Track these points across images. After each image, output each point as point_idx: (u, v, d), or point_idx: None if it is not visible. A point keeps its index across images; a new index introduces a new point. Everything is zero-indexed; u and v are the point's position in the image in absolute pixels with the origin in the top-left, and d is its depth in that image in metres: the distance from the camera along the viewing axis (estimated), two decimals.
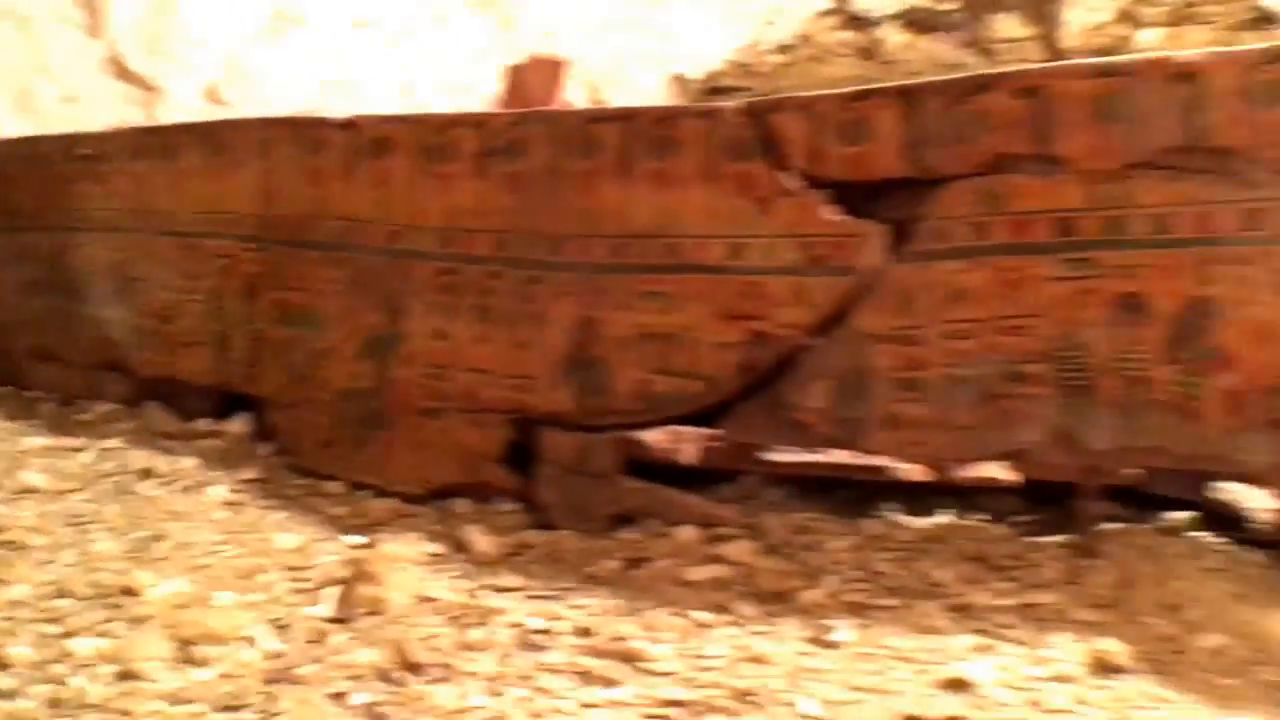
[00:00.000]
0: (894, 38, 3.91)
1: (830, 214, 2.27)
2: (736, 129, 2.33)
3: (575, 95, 3.93)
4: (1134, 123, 2.10)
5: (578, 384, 2.48)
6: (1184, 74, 2.09)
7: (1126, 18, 3.92)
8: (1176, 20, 3.99)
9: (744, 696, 2.01)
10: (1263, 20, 3.86)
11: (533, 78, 2.63)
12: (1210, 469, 2.15)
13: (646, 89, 3.97)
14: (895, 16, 3.92)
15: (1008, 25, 3.95)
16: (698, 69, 3.86)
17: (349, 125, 2.88)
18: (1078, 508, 2.21)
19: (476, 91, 3.79)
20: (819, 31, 3.93)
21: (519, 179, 2.56)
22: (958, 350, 2.20)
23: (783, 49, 3.90)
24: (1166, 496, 2.31)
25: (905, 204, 2.24)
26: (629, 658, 2.14)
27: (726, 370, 2.34)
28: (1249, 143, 2.07)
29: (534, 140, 2.54)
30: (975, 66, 3.76)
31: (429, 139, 2.70)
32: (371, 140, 2.82)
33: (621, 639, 2.17)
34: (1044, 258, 2.15)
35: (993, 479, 2.32)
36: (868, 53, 3.93)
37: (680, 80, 3.78)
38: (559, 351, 2.50)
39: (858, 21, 3.92)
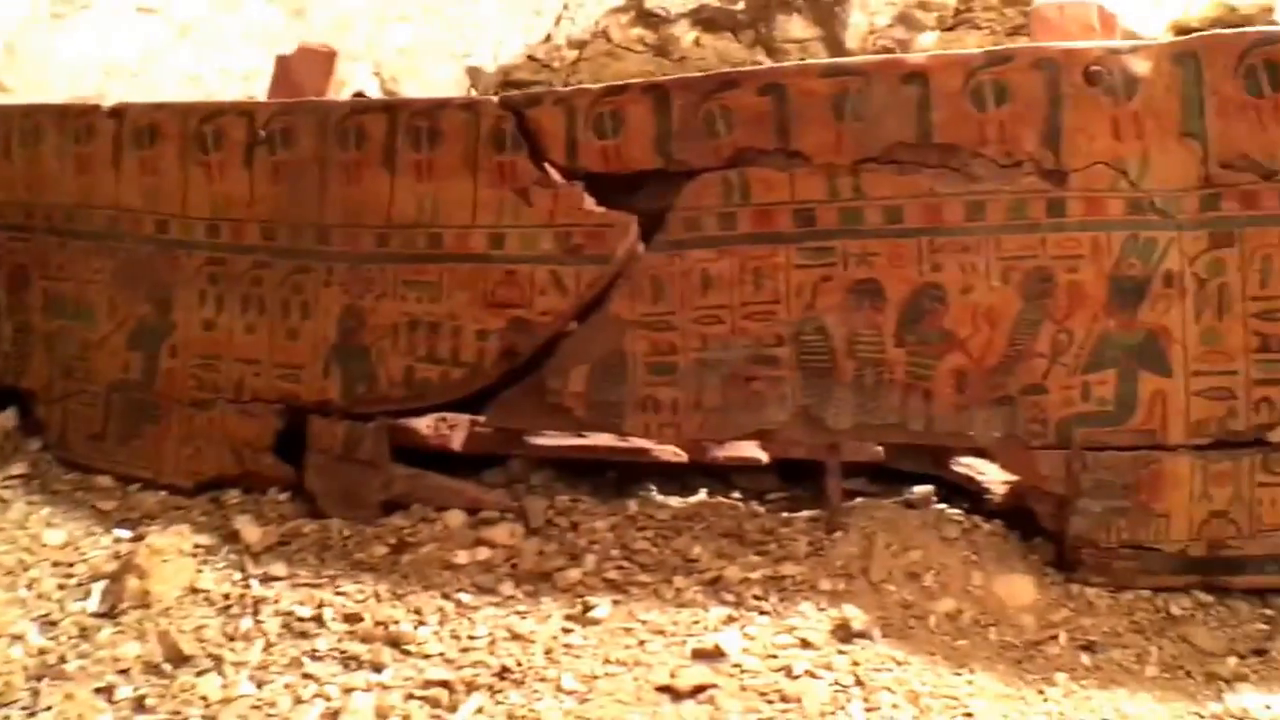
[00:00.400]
0: (686, 35, 4.01)
1: (587, 205, 2.33)
2: (498, 121, 2.38)
3: (369, 87, 3.93)
4: (868, 120, 2.22)
5: (345, 373, 2.50)
6: (913, 75, 2.22)
7: (906, 21, 4.10)
8: (953, 24, 4.18)
9: (505, 674, 2.07)
10: None
11: (301, 67, 2.63)
12: (943, 444, 2.29)
13: (442, 81, 3.98)
14: (687, 14, 4.01)
15: (795, 26, 4.09)
16: (493, 62, 3.89)
17: (117, 113, 2.83)
18: (826, 484, 2.33)
19: (265, 81, 3.74)
20: (613, 27, 4.00)
21: (286, 169, 2.57)
22: (708, 335, 2.30)
23: (577, 44, 3.96)
24: (909, 471, 2.44)
25: (659, 196, 2.32)
26: (395, 641, 2.17)
27: (489, 357, 2.40)
28: (972, 139, 2.21)
29: (300, 130, 2.54)
30: (763, 64, 3.89)
31: (197, 128, 2.68)
32: (140, 128, 2.78)
33: (387, 623, 2.20)
34: (786, 247, 2.26)
35: (749, 458, 2.42)
36: (661, 50, 4.02)
37: (476, 73, 3.80)
38: (327, 341, 2.51)
39: (651, 19, 4.00)
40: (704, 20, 3.90)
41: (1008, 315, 2.21)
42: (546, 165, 2.36)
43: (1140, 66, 2.18)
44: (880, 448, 2.37)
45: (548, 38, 3.84)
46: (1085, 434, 2.21)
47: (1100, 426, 2.21)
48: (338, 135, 2.49)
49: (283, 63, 2.65)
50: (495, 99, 2.40)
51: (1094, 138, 2.18)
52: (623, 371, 2.33)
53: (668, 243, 2.31)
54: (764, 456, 2.41)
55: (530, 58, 3.81)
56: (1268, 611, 2.22)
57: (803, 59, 3.94)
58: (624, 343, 2.33)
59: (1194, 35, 2.20)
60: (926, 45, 4.04)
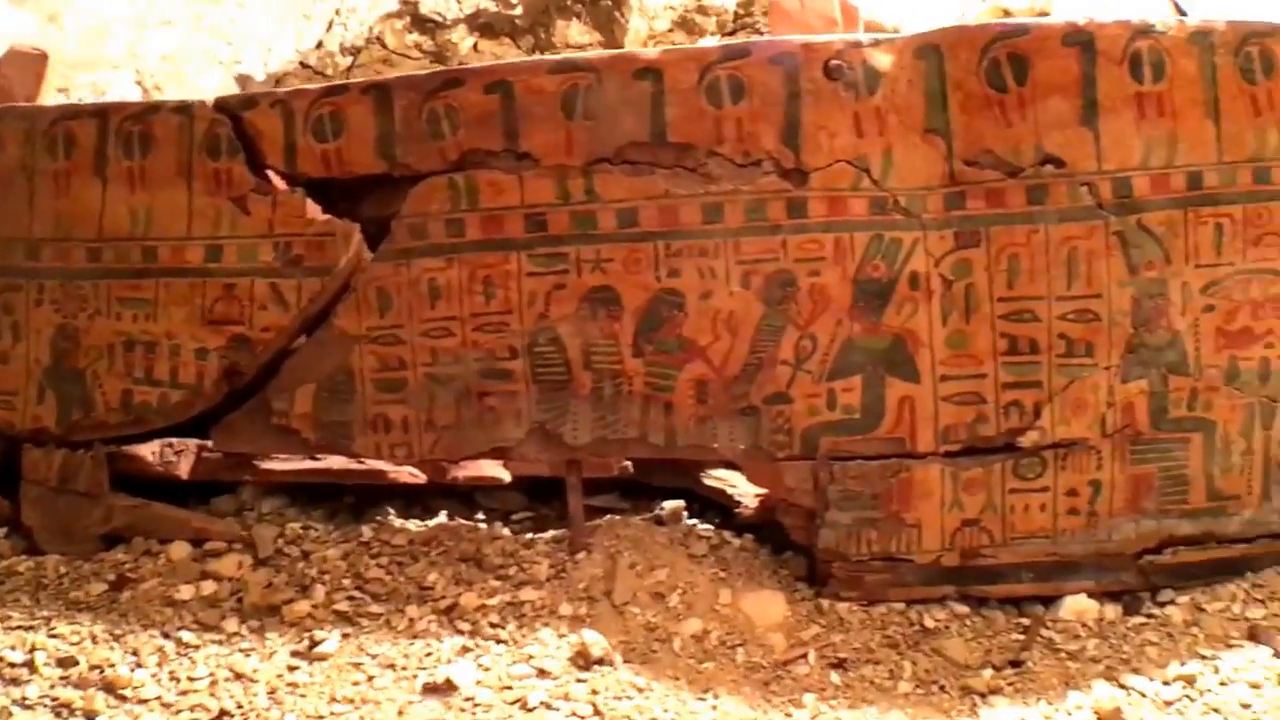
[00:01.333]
0: (465, 41, 3.88)
1: (309, 213, 2.18)
2: (212, 125, 2.22)
3: (132, 96, 3.71)
4: (600, 119, 2.10)
5: (60, 398, 2.32)
6: (646, 70, 2.11)
7: (686, 26, 4.02)
8: (734, 29, 4.11)
9: (224, 717, 1.93)
10: None
11: (10, 71, 2.44)
12: (687, 458, 2.18)
13: (210, 90, 3.78)
14: (464, 20, 3.88)
15: (574, 31, 3.98)
16: (263, 70, 3.71)
17: None
18: (568, 502, 2.20)
19: None
20: (388, 33, 3.85)
21: None
22: (438, 349, 2.16)
23: (351, 50, 3.81)
24: (663, 486, 2.33)
25: (386, 202, 2.18)
26: (110, 686, 2.02)
27: (210, 378, 2.24)
28: (708, 138, 2.10)
29: (6, 138, 2.35)
30: None
31: None
32: None
33: (103, 666, 2.04)
34: (517, 253, 2.13)
35: (490, 478, 2.29)
36: (439, 56, 3.89)
37: (245, 81, 3.62)
38: (40, 364, 2.33)
39: (427, 24, 3.86)
40: (482, 26, 3.77)
41: (749, 321, 2.11)
42: (266, 172, 2.20)
43: (883, 61, 2.09)
44: (628, 462, 2.25)
45: (319, 44, 3.68)
46: (831, 443, 2.12)
47: (847, 435, 2.12)
48: (46, 142, 2.31)
49: None
50: (209, 101, 2.23)
51: (835, 135, 2.09)
52: (350, 390, 2.19)
53: (394, 252, 2.17)
54: (506, 475, 2.28)
55: (303, 64, 3.65)
56: (1023, 620, 2.15)
57: None
58: (351, 359, 2.18)
59: (936, 29, 2.11)
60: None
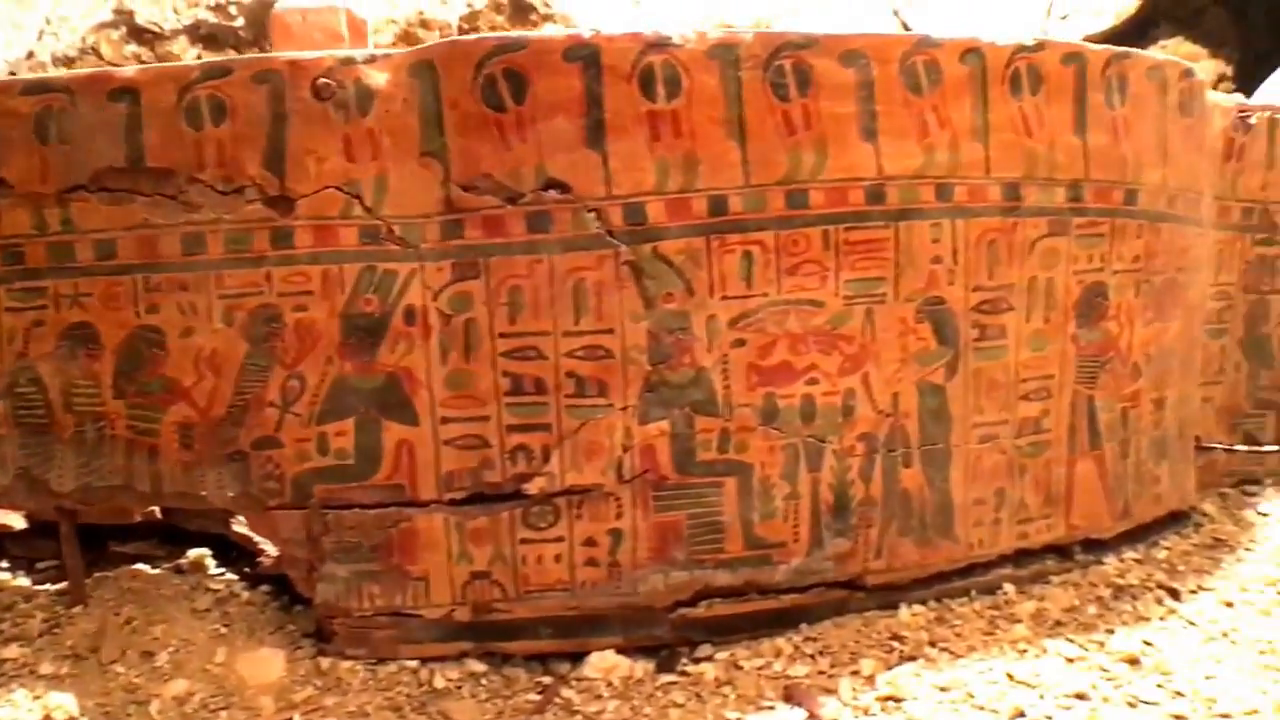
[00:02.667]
0: (187, 52, 3.73)
1: None
2: None
3: None
4: (75, 143, 1.95)
5: None
6: (122, 91, 1.95)
7: (409, 40, 3.86)
8: None
9: None
10: None
11: None
12: (177, 505, 2.04)
13: None
14: (184, 30, 3.73)
15: None
16: None
17: None
18: (64, 552, 2.07)
19: None
20: (104, 44, 3.71)
21: None
22: None
23: (65, 61, 3.67)
24: (191, 531, 2.19)
25: None
26: None
27: None
28: (189, 163, 1.94)
29: None
30: None
31: None
32: None
33: None
34: None
35: (4, 525, 2.15)
36: None
37: None
38: None
39: (145, 35, 3.71)
40: (204, 37, 3.63)
41: (233, 360, 1.96)
42: None
43: (377, 79, 1.93)
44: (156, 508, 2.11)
45: (30, 54, 3.54)
46: (325, 491, 1.97)
47: (341, 483, 1.97)
48: None
49: None
50: None
51: (324, 159, 1.93)
52: None
53: None
54: (21, 522, 2.14)
55: (12, 74, 3.51)
56: (544, 679, 2.00)
57: None
58: None
59: (432, 45, 1.95)
60: None
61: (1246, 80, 4.03)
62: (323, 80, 1.93)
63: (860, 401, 2.01)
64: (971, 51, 2.03)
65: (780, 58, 1.93)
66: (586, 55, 1.90)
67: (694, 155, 1.91)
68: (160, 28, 3.62)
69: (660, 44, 1.90)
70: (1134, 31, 4.14)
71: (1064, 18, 4.02)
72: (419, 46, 1.97)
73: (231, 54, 3.87)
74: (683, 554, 1.98)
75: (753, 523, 1.99)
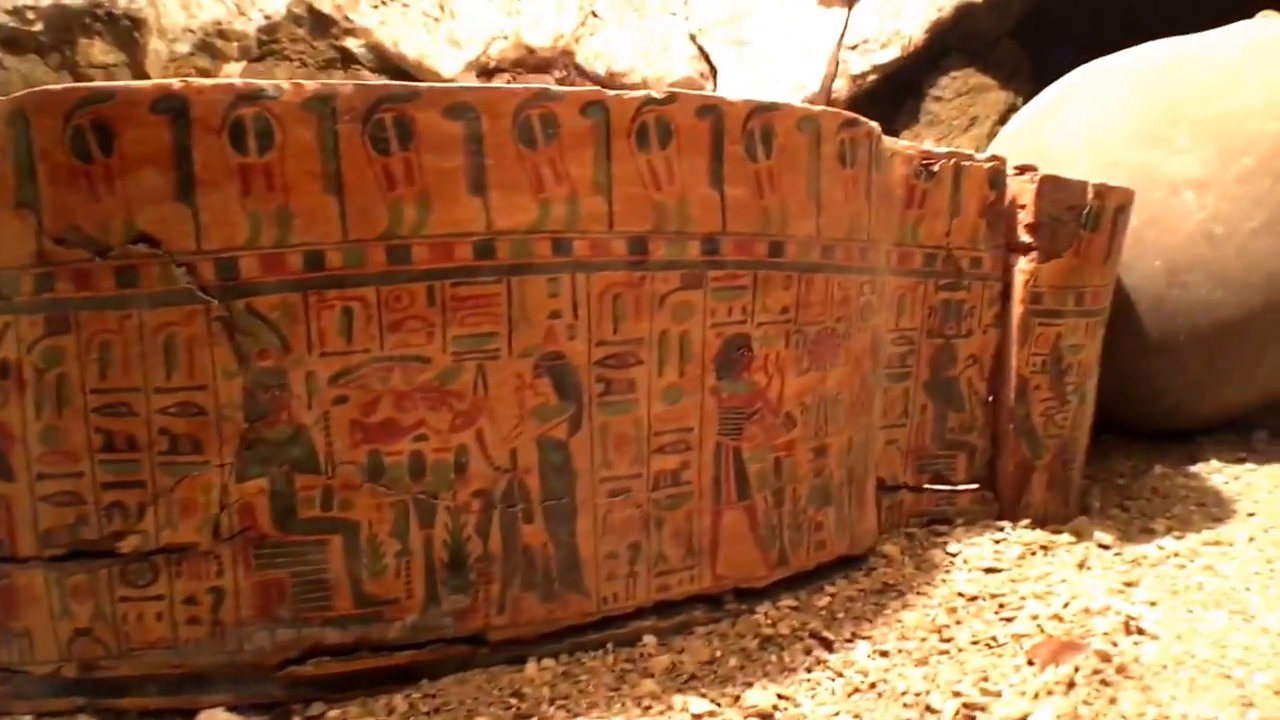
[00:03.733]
0: None
1: None
2: None
3: None
4: None
5: None
6: None
7: (208, 50, 3.82)
8: (260, 55, 3.92)
9: None
10: (347, 61, 3.83)
11: None
12: None
13: None
14: None
15: (97, 50, 3.78)
16: None
17: None
18: None
19: None
20: None
21: None
22: None
23: None
24: None
25: None
26: None
27: None
28: None
29: None
30: None
31: None
32: None
33: None
34: None
35: None
36: None
37: None
38: None
39: None
40: (4, 41, 3.57)
41: None
42: None
43: None
44: None
45: None
46: None
47: None
48: None
49: None
50: None
51: None
52: None
53: None
54: None
55: None
56: None
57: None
58: None
59: (24, 93, 1.91)
60: (233, 75, 3.77)
61: None
62: None
63: (474, 458, 2.00)
64: (594, 104, 2.01)
65: (380, 110, 1.91)
66: (175, 107, 1.87)
67: (288, 209, 1.89)
68: None
69: (252, 96, 1.87)
70: (924, 62, 4.13)
71: (854, 47, 4.00)
72: (12, 95, 1.93)
73: (34, 59, 3.83)
74: (288, 612, 1.96)
75: (362, 580, 1.97)
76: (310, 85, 1.94)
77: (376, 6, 4.04)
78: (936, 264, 2.66)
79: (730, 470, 2.20)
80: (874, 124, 2.39)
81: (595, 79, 4.15)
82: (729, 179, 2.13)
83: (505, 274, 1.99)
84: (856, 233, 2.34)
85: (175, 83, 1.91)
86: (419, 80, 4.14)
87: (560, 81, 4.18)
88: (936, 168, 2.58)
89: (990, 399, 2.70)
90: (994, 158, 2.65)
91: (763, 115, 2.16)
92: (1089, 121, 3.39)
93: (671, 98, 2.08)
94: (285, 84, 1.92)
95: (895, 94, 4.30)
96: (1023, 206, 2.67)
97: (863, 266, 2.39)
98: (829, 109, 2.29)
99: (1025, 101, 4.19)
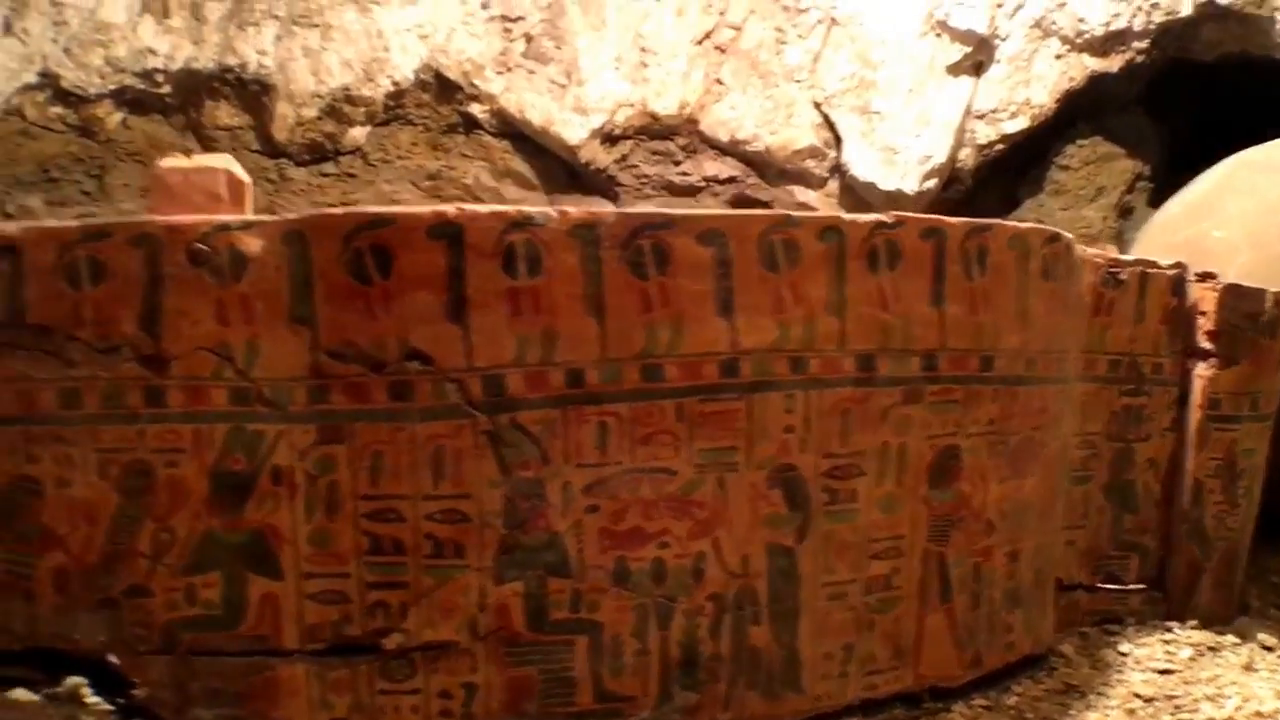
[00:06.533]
0: (113, 116, 3.80)
1: None
2: None
3: None
4: None
5: None
6: (3, 249, 2.03)
7: (335, 115, 3.94)
8: (386, 120, 4.03)
9: None
10: (470, 126, 3.95)
11: None
12: (51, 646, 2.12)
13: None
14: (109, 95, 3.81)
15: (223, 113, 3.91)
16: None
17: None
18: None
19: None
20: (29, 106, 3.78)
21: None
22: None
23: None
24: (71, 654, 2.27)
25: None
26: None
27: None
28: (67, 320, 2.03)
29: None
30: (196, 149, 3.73)
31: None
32: None
33: None
34: None
35: None
36: (85, 130, 3.81)
37: None
38: None
39: (70, 98, 3.79)
40: (129, 101, 3.70)
41: (106, 511, 2.04)
42: None
43: (251, 245, 2.02)
44: None
45: None
46: (192, 639, 2.05)
47: (208, 631, 2.05)
48: None
49: None
50: None
51: (197, 321, 2.02)
52: None
53: None
54: None
55: None
56: None
57: (234, 148, 3.76)
58: None
59: (304, 215, 2.03)
60: (358, 139, 3.90)
61: (1165, 180, 4.12)
62: (198, 246, 2.01)
63: (711, 564, 2.10)
64: (831, 229, 2.12)
65: (640, 237, 2.02)
66: (451, 234, 1.98)
67: (554, 330, 2.00)
68: (86, 91, 3.70)
69: (522, 223, 1.99)
70: (1052, 130, 4.22)
71: (981, 117, 4.10)
72: (290, 216, 2.05)
73: (159, 119, 3.95)
74: (535, 707, 2.07)
75: (603, 677, 2.08)
76: (575, 213, 2.05)
77: (502, 72, 4.15)
78: (1120, 370, 2.77)
79: (935, 574, 2.31)
80: (1069, 235, 2.50)
81: (718, 146, 4.25)
82: (949, 297, 2.23)
83: (746, 391, 2.10)
84: (1054, 343, 2.45)
85: (450, 210, 2.03)
86: (543, 145, 4.25)
87: (684, 149, 4.28)
88: (1124, 276, 2.68)
89: (1164, 501, 2.80)
90: (1177, 264, 2.75)
91: (979, 236, 2.27)
92: (1250, 215, 3.46)
93: (900, 221, 2.19)
94: (553, 212, 2.04)
95: (1021, 162, 4.38)
96: (1203, 313, 2.77)
97: (1059, 376, 2.49)
98: (1035, 226, 2.40)
99: (1151, 170, 4.27)
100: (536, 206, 2.05)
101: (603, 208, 3.00)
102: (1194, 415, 2.76)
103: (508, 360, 2.00)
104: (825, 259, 2.13)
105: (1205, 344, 2.77)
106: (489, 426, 2.01)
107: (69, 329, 2.03)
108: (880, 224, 2.16)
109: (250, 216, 2.11)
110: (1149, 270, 2.72)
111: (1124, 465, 2.73)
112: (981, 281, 2.27)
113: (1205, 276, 2.72)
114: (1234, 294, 2.70)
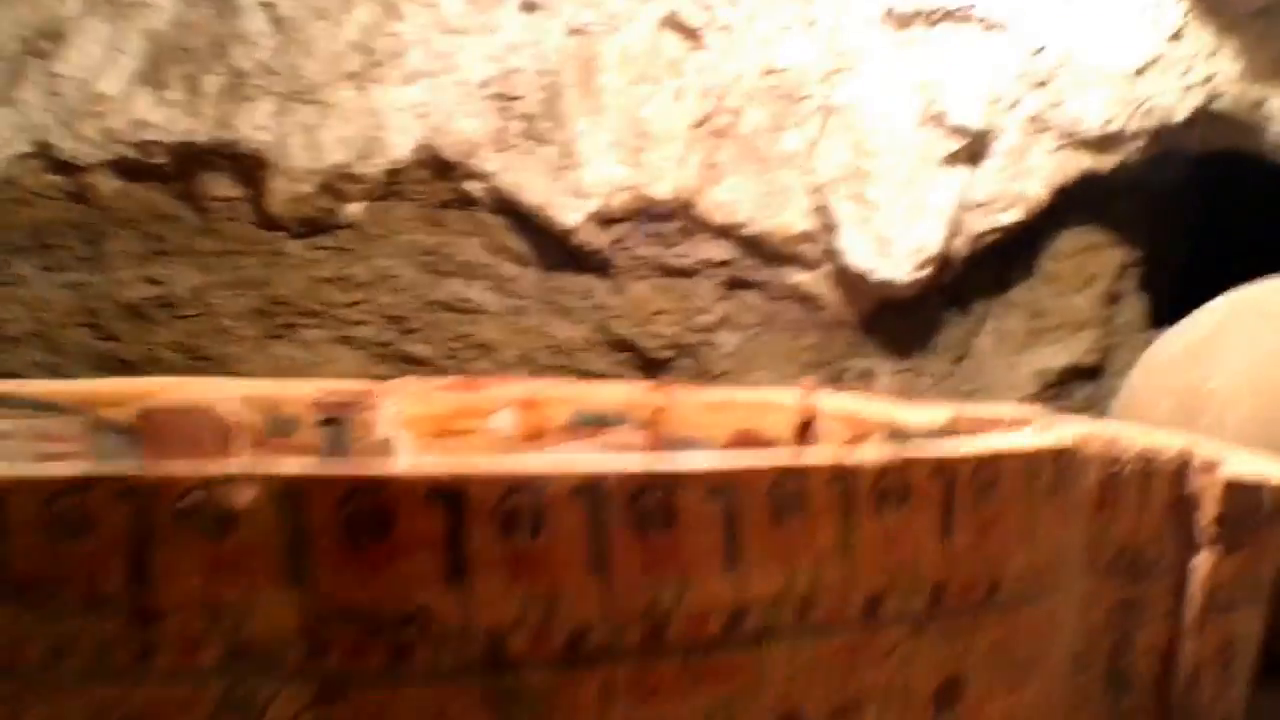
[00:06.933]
0: (109, 184, 3.73)
1: None
2: None
3: None
4: None
5: None
6: None
7: (331, 191, 3.86)
8: (384, 195, 3.97)
9: None
10: (466, 202, 3.89)
11: None
12: None
13: None
14: (106, 164, 3.74)
15: (220, 184, 3.84)
16: None
17: None
18: None
19: None
20: (24, 174, 3.71)
21: None
22: None
23: None
24: None
25: None
26: None
27: None
28: (54, 574, 1.96)
29: None
30: (193, 220, 3.73)
31: None
32: None
33: None
34: None
35: None
36: (80, 198, 3.75)
37: None
38: None
39: (65, 167, 3.72)
40: (126, 170, 3.63)
41: None
42: None
43: (242, 499, 1.93)
44: None
45: None
46: None
47: None
48: None
49: None
50: None
51: (189, 576, 1.94)
52: None
53: None
54: None
55: None
56: None
57: (231, 219, 3.74)
58: None
59: (299, 474, 1.96)
60: (354, 214, 3.84)
61: (1154, 267, 4.13)
62: (188, 500, 1.95)
63: None
64: (839, 477, 2.07)
65: (645, 495, 1.97)
66: (450, 496, 1.92)
67: (555, 590, 1.95)
68: (81, 161, 3.63)
69: (523, 485, 1.93)
70: (1046, 221, 4.19)
71: (976, 207, 4.05)
72: (284, 473, 1.98)
73: (155, 187, 3.89)
74: None
75: None
76: (578, 471, 1.99)
77: (500, 151, 4.07)
78: (1122, 562, 2.74)
79: None
80: (1072, 439, 2.45)
81: (713, 228, 4.19)
82: (958, 528, 2.19)
83: (751, 641, 2.06)
84: (1060, 554, 2.42)
85: (448, 474, 1.96)
86: (537, 224, 4.18)
87: (680, 231, 4.24)
88: (1126, 472, 2.65)
89: (1161, 685, 2.79)
90: (1182, 454, 2.70)
91: (989, 467, 2.22)
92: (1253, 364, 3.41)
93: (909, 464, 2.14)
94: (554, 472, 1.98)
95: (1014, 247, 4.35)
96: (1204, 503, 2.74)
97: (1062, 583, 2.46)
98: (1045, 446, 2.35)
99: (1143, 256, 4.25)
100: (538, 461, 1.98)
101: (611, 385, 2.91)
102: (1192, 603, 2.74)
103: (509, 621, 1.95)
104: (833, 505, 2.08)
105: (1206, 533, 2.75)
106: (490, 688, 1.96)
107: (56, 582, 1.96)
108: (889, 466, 2.11)
109: (241, 469, 2.04)
110: (1153, 462, 2.68)
111: (1122, 652, 2.72)
112: (990, 509, 2.22)
113: (1209, 467, 2.68)
114: (1234, 486, 2.67)
